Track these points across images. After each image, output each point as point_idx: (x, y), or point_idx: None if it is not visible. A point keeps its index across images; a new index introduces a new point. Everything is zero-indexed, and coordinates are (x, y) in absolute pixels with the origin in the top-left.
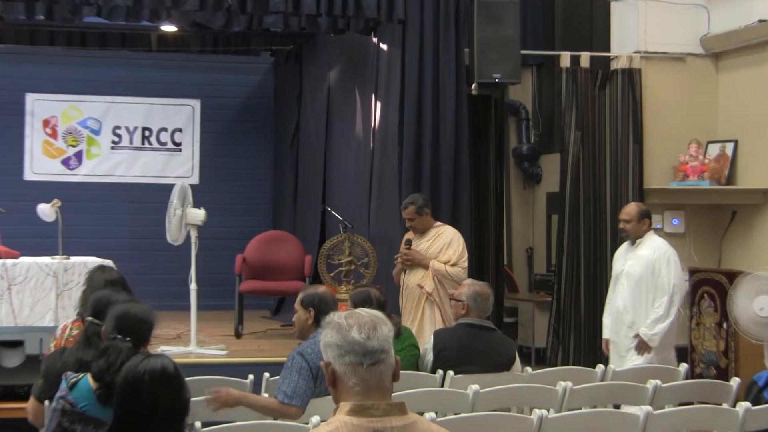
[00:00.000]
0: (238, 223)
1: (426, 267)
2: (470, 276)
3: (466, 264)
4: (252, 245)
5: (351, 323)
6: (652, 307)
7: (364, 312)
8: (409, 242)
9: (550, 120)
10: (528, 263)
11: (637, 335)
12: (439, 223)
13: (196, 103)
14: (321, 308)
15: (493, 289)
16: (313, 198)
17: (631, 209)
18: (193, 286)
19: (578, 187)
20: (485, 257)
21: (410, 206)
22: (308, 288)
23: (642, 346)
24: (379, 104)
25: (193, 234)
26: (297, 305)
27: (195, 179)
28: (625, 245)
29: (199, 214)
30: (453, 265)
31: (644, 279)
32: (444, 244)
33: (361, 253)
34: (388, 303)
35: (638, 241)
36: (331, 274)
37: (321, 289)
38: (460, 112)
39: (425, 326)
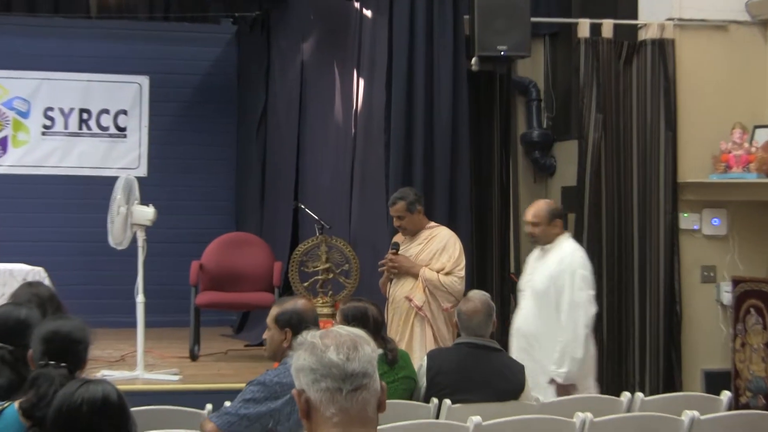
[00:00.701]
0: (193, 223)
1: (415, 276)
2: (470, 287)
3: (463, 272)
4: (210, 250)
5: (327, 343)
6: (556, 333)
7: (343, 330)
8: (396, 246)
9: (566, 101)
10: None
11: (552, 381)
12: (432, 223)
13: (144, 81)
14: (301, 329)
15: (498, 301)
16: (284, 194)
17: (539, 209)
18: (140, 298)
19: (599, 181)
20: (488, 264)
21: (399, 202)
22: (285, 302)
23: (562, 392)
24: (362, 82)
25: (141, 236)
26: (270, 322)
27: (143, 171)
28: (537, 251)
29: (147, 213)
30: (447, 273)
31: (548, 295)
32: (437, 249)
33: (341, 259)
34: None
35: (548, 246)
36: (305, 284)
37: (300, 303)
38: (458, 91)
39: (415, 347)
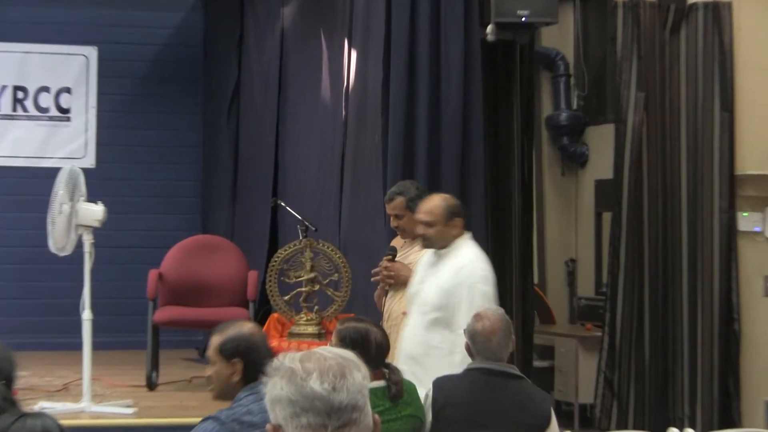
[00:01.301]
0: (151, 224)
1: None
2: None
3: None
4: (172, 256)
5: (309, 369)
6: (448, 357)
7: (328, 353)
8: (392, 251)
9: (601, 76)
10: (568, 282)
11: None
12: None
13: (92, 52)
14: (252, 358)
15: (519, 318)
16: (261, 189)
17: (434, 205)
18: (86, 315)
19: (641, 173)
20: (507, 274)
21: (398, 197)
22: (227, 328)
23: None
24: (354, 56)
25: (87, 240)
26: (213, 354)
27: (90, 161)
28: (430, 253)
29: (95, 212)
30: None
31: (440, 311)
32: None
33: (329, 268)
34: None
35: (443, 251)
36: (286, 298)
37: (247, 328)
38: (470, 65)
39: None
